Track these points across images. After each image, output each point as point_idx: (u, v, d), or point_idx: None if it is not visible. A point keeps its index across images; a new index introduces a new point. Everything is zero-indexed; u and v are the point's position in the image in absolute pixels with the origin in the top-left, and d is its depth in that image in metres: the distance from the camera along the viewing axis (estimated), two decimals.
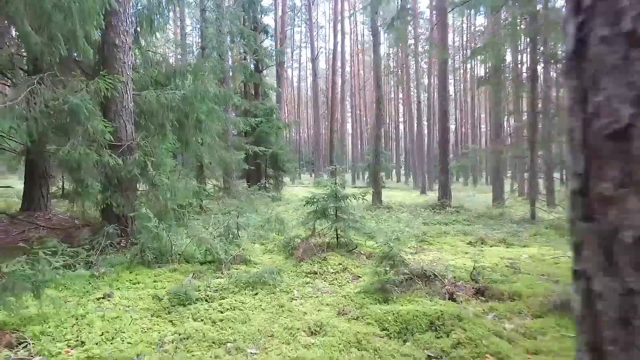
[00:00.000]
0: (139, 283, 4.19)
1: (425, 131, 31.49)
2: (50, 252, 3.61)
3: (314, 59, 33.40)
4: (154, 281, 4.29)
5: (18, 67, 5.84)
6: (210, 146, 10.25)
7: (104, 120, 4.88)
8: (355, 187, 28.45)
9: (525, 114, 12.15)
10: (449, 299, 3.77)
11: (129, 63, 6.00)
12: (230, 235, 6.31)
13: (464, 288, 4.02)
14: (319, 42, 47.55)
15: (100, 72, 5.06)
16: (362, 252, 6.05)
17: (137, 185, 6.01)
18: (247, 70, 15.99)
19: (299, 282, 4.60)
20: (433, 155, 28.77)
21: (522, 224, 9.91)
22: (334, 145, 19.90)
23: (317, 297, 4.11)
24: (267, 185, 15.56)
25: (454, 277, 4.35)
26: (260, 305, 3.76)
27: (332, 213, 6.34)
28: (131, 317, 3.28)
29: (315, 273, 4.96)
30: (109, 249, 5.13)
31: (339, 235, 6.34)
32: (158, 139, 6.31)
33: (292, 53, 52.81)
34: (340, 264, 5.26)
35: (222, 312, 3.51)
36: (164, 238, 4.86)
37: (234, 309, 3.60)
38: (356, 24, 52.03)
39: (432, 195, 22.65)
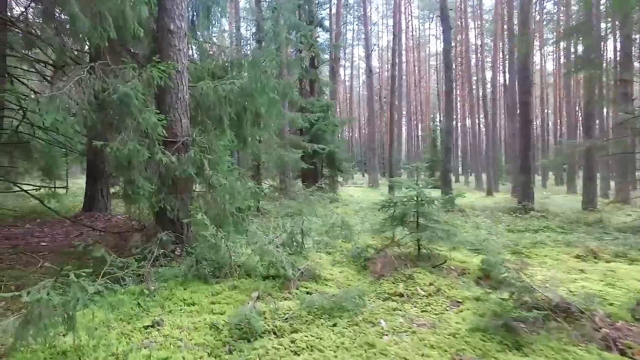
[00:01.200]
0: (194, 305, 3.49)
1: (483, 128, 29.17)
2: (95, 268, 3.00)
3: (368, 55, 32.29)
4: (212, 302, 3.56)
5: (70, 57, 5.46)
6: (268, 144, 9.63)
7: (157, 113, 4.27)
8: None
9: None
10: (615, 351, 2.63)
11: (185, 50, 5.41)
12: (295, 244, 5.53)
13: (629, 332, 2.84)
14: (371, 40, 46.26)
15: (153, 59, 4.47)
16: (451, 267, 4.97)
17: (193, 186, 5.40)
18: (303, 66, 15.34)
19: (384, 308, 3.66)
20: (498, 153, 26.46)
21: (635, 233, 8.19)
22: (394, 143, 18.70)
23: (412, 331, 3.15)
24: (322, 185, 14.78)
25: (606, 314, 3.17)
26: (343, 344, 2.87)
27: (413, 219, 5.33)
28: (183, 358, 2.54)
29: (401, 295, 3.99)
30: (162, 259, 4.52)
31: (420, 246, 5.32)
32: (215, 134, 5.68)
33: (344, 51, 51.99)
34: (431, 284, 4.25)
35: (296, 355, 2.67)
36: (223, 248, 4.15)
37: (311, 349, 2.74)
38: (411, 17, 50.03)
39: (501, 197, 20.66)
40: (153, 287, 3.67)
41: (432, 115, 47.16)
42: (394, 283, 4.34)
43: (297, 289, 4.04)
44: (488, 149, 26.99)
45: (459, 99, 44.12)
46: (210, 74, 6.45)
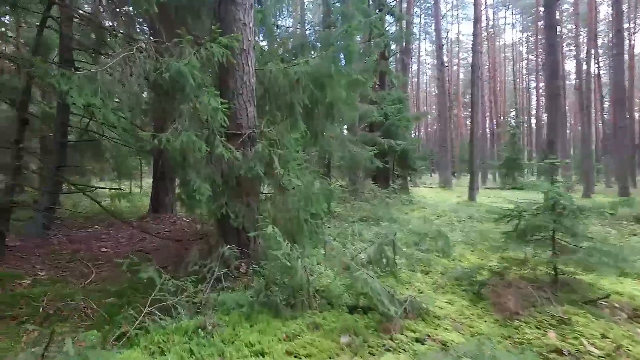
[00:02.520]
0: (263, 355, 2.50)
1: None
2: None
3: (439, 46, 30.00)
4: (287, 352, 2.56)
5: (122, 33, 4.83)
6: (340, 139, 8.60)
7: (216, 94, 3.39)
8: (488, 189, 24.40)
9: None
10: None
11: (251, 26, 4.53)
12: (384, 260, 4.39)
13: None
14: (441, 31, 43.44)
15: (213, 28, 3.60)
16: (614, 304, 3.50)
17: (260, 188, 4.51)
18: (373, 56, 14.10)
19: None
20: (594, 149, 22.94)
21: None
22: (475, 139, 16.74)
23: None
24: (396, 185, 13.45)
25: None
26: None
27: (547, 235, 3.93)
28: None
29: (561, 353, 2.67)
30: (224, 279, 3.64)
31: (557, 271, 3.90)
32: (286, 126, 4.74)
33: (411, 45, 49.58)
34: (603, 335, 2.87)
35: None
36: (299, 271, 3.14)
37: None
38: (485, 6, 46.22)
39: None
40: (211, 324, 2.76)
41: (513, 110, 43.17)
42: (538, 328, 3.02)
43: (402, 332, 2.90)
44: (587, 144, 23.53)
45: (540, 91, 39.84)
46: (278, 60, 5.55)
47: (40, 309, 3.16)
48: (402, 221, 9.15)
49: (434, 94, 57.87)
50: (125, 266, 3.06)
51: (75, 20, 5.81)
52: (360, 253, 4.41)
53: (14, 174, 5.01)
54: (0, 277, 3.95)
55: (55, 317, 3.10)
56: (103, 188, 6.95)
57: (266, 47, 6.16)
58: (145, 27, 6.85)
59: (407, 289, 4.19)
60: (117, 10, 5.57)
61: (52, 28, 5.91)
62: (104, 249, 5.56)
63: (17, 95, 5.36)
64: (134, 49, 3.33)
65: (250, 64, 4.46)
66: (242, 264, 4.07)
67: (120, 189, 8.62)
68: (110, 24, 6.13)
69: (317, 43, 6.40)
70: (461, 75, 54.96)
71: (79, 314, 3.15)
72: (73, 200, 10.07)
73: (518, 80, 48.33)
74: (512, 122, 32.57)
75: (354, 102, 6.50)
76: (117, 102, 3.06)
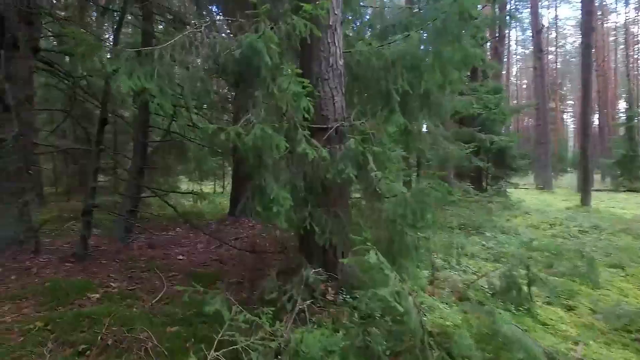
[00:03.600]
0: None
1: None
2: None
3: (537, 31, 26.69)
4: None
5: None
6: (434, 135, 7.47)
7: (298, 76, 2.63)
8: (598, 191, 20.81)
9: None
10: None
11: (337, 0, 3.74)
12: (515, 291, 3.31)
13: None
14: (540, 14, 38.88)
15: None
16: None
17: (350, 194, 3.70)
18: (480, 32, 12.55)
19: None
20: None
21: None
22: (588, 134, 14.17)
23: None
24: (493, 188, 11.80)
25: None
26: None
27: None
28: None
29: None
30: (307, 309, 2.89)
31: None
32: (379, 118, 3.87)
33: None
34: None
35: None
36: (412, 315, 2.24)
37: None
38: None
39: None
40: None
41: (625, 100, 36.98)
42: None
43: None
44: None
45: None
46: (370, 40, 4.68)
47: (99, 338, 2.69)
48: (508, 231, 7.72)
49: (524, 86, 52.41)
50: (187, 297, 2.43)
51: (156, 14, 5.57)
52: (479, 278, 3.38)
53: (95, 176, 4.85)
54: (75, 288, 3.67)
55: (113, 349, 2.60)
56: (180, 192, 6.72)
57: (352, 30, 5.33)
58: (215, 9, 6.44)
59: (550, 333, 3.06)
60: None
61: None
62: (180, 257, 5.21)
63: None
64: (202, 27, 2.72)
65: (337, 43, 3.66)
66: (329, 289, 3.28)
67: (193, 192, 8.45)
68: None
69: (412, 23, 5.42)
70: (558, 65, 49.01)
71: (138, 346, 2.62)
72: (158, 201, 10.31)
73: (632, 66, 41.45)
74: (627, 113, 27.64)
75: (458, 85, 5.37)
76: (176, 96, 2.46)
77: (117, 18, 4.96)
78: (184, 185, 11.49)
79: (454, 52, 3.51)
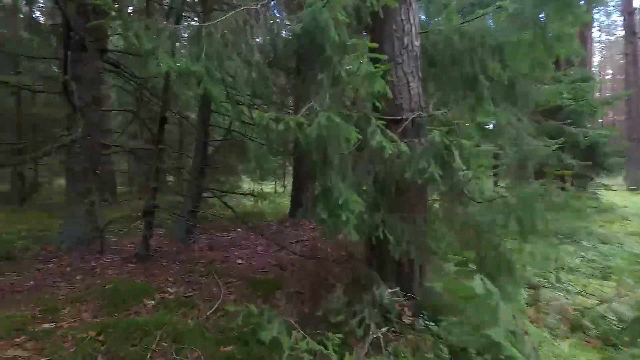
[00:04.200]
0: None
1: None
2: None
3: (629, 12, 23.49)
4: None
5: None
6: (517, 129, 6.55)
7: (371, 51, 2.15)
8: None
9: None
10: None
11: None
12: None
13: None
14: None
15: None
16: None
17: (428, 197, 3.14)
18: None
19: None
20: None
21: None
22: None
23: None
24: (591, 189, 10.34)
25: None
26: None
27: None
28: None
29: None
30: (380, 333, 2.40)
31: None
32: (464, 107, 3.28)
33: None
34: None
35: None
36: (526, 348, 1.66)
37: None
38: None
39: None
40: None
41: None
42: None
43: None
44: None
45: None
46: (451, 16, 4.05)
47: (149, 356, 2.44)
48: (608, 239, 6.58)
49: (607, 77, 46.81)
50: (241, 320, 2.06)
51: None
52: (599, 304, 2.66)
53: (156, 176, 4.77)
54: (133, 292, 3.53)
55: None
56: (239, 193, 6.54)
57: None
58: None
59: None
60: None
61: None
62: (239, 260, 4.98)
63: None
64: (257, 4, 2.35)
65: (412, 20, 3.12)
66: (405, 309, 2.77)
67: (253, 192, 8.29)
68: None
69: None
70: None
71: None
72: (220, 201, 10.39)
73: None
74: None
75: (549, 69, 4.52)
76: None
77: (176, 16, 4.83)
78: (245, 185, 11.53)
79: (563, 19, 2.81)
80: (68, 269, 4.12)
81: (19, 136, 8.99)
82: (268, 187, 14.71)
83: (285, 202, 10.94)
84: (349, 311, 2.49)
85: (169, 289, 3.71)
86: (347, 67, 2.14)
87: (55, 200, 9.87)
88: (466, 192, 2.53)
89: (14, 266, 4.20)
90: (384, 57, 2.22)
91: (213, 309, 3.24)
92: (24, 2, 10.47)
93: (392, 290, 2.40)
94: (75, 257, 4.45)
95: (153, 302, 3.35)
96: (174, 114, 7.24)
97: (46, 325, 2.87)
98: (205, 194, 6.31)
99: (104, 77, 6.39)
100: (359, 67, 2.09)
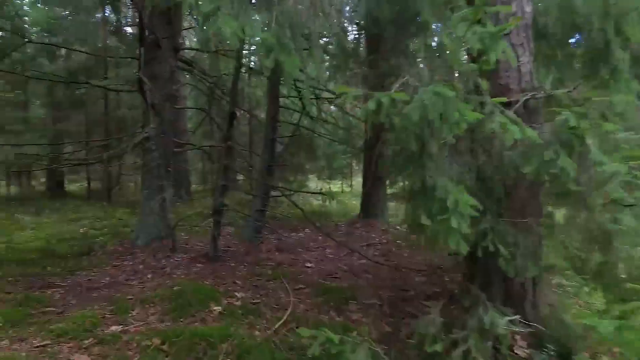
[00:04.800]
0: None
1: None
2: None
3: None
4: None
5: None
6: None
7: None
8: None
9: None
10: None
11: None
12: None
13: None
14: None
15: None
16: None
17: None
18: None
19: None
20: None
21: None
22: None
23: None
24: None
25: None
26: None
27: None
28: None
29: None
30: None
31: None
32: (584, 86, 2.58)
33: None
34: None
35: None
36: None
37: None
38: None
39: None
40: None
41: None
42: None
43: None
44: None
45: None
46: None
47: None
48: None
49: None
50: (317, 349, 1.68)
51: None
52: None
53: (225, 173, 4.63)
54: (200, 295, 3.36)
55: None
56: (308, 192, 6.24)
57: None
58: None
59: None
60: None
61: None
62: (308, 264, 4.66)
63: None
64: None
65: None
66: (518, 339, 2.19)
67: (322, 191, 7.97)
68: None
69: None
70: None
71: None
72: (288, 200, 10.25)
73: None
74: None
75: None
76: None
77: None
78: (312, 183, 11.33)
79: None
80: (140, 266, 4.11)
81: (106, 136, 9.65)
82: (334, 186, 14.41)
83: (353, 202, 10.52)
84: (447, 338, 2.00)
85: (236, 293, 3.49)
86: (450, 32, 1.65)
87: (138, 197, 10.51)
88: (610, 193, 1.90)
89: (93, 262, 4.29)
90: (510, 9, 1.68)
91: (282, 320, 2.92)
92: (111, 14, 11.29)
93: (511, 318, 1.86)
94: (148, 254, 4.46)
95: (219, 308, 3.13)
96: (243, 111, 7.18)
97: (114, 328, 2.76)
98: (273, 193, 6.11)
99: (178, 75, 6.49)
100: (468, 30, 1.59)
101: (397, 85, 1.61)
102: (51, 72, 10.22)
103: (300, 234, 6.75)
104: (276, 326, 2.81)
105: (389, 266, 4.16)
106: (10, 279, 3.72)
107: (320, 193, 5.97)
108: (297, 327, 2.85)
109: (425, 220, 1.60)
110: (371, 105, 1.46)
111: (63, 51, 11.20)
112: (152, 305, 3.19)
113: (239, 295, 3.46)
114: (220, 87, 6.73)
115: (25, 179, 11.36)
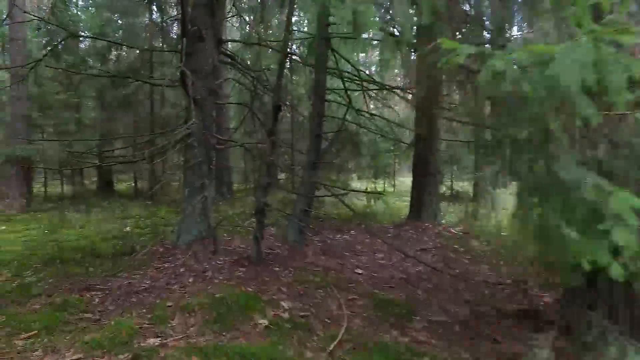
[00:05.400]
0: None
1: None
2: None
3: None
4: None
5: None
6: None
7: None
8: None
9: None
10: None
11: None
12: None
13: None
14: None
15: None
16: None
17: None
18: None
19: None
20: None
21: None
22: None
23: None
24: None
25: None
26: None
27: None
28: None
29: None
30: None
31: None
32: None
33: None
34: None
35: None
36: None
37: None
38: None
39: None
40: None
41: None
42: None
43: None
44: None
45: None
46: None
47: None
48: None
49: None
50: None
51: None
52: None
53: (268, 170, 4.32)
54: (243, 305, 3.05)
55: None
56: (358, 190, 5.83)
57: None
58: None
59: None
60: None
61: None
62: (358, 271, 4.25)
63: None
64: None
65: None
66: None
67: (375, 191, 7.53)
68: None
69: None
70: None
71: None
72: (331, 200, 9.83)
73: None
74: None
75: None
76: None
77: None
78: (354, 183, 10.89)
79: None
80: (181, 269, 3.88)
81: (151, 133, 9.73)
82: (378, 186, 13.86)
83: (398, 202, 9.97)
84: None
85: (282, 303, 3.14)
86: None
87: (181, 196, 10.56)
88: None
89: (134, 263, 4.13)
90: None
91: (337, 339, 2.53)
92: (158, 15, 11.45)
93: None
94: (189, 256, 4.23)
95: (265, 321, 2.79)
96: (287, 105, 6.89)
97: (151, 341, 2.49)
98: (318, 193, 5.76)
99: (220, 70, 6.30)
100: None
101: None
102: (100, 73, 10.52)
103: (345, 236, 6.34)
104: (331, 347, 2.42)
105: (452, 276, 3.65)
106: (51, 280, 3.61)
107: (377, 192, 5.55)
108: (354, 349, 2.45)
109: (571, 230, 1.12)
110: (494, 62, 1.02)
111: (113, 54, 11.50)
112: (192, 314, 2.92)
113: (285, 305, 3.12)
114: (263, 82, 6.46)
115: (78, 178, 11.78)
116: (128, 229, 5.97)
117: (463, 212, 8.67)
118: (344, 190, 5.01)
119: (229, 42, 7.03)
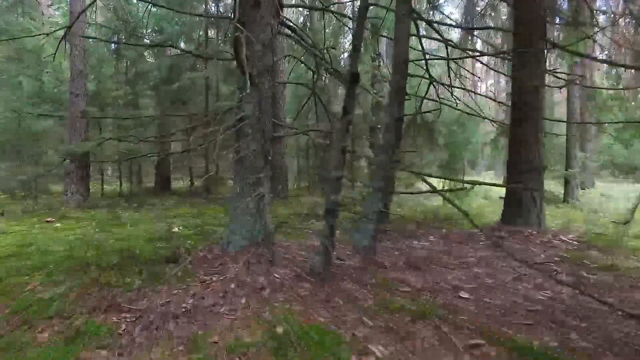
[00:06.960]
0: None
1: None
2: None
3: None
4: None
5: None
6: None
7: None
8: None
9: None
10: None
11: None
12: None
13: None
14: None
15: None
16: None
17: None
18: None
19: None
20: None
21: None
22: None
23: None
24: None
25: None
26: None
27: None
28: None
29: None
30: None
31: None
32: None
33: None
34: None
35: None
36: None
37: None
38: None
39: None
40: None
41: None
42: None
43: None
44: None
45: None
46: None
47: None
48: None
49: None
50: None
51: None
52: None
53: (342, 159, 3.37)
54: (314, 344, 2.14)
55: None
56: (459, 189, 4.71)
57: None
58: None
59: None
60: None
61: None
62: (463, 295, 3.14)
63: None
64: None
65: None
66: None
67: (452, 188, 6.33)
68: None
69: None
70: None
71: None
72: (399, 198, 8.68)
73: None
74: None
75: None
76: None
77: None
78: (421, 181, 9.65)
79: None
80: (232, 285, 3.04)
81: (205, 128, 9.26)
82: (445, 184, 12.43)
83: (479, 202, 8.59)
84: None
85: (371, 347, 2.17)
86: None
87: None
88: None
89: (176, 273, 3.37)
90: None
91: None
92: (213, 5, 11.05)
93: None
94: (241, 266, 3.40)
95: None
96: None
97: None
98: (393, 191, 4.71)
99: (278, 43, 5.46)
100: None
101: None
102: (157, 68, 10.30)
103: (423, 241, 5.24)
104: None
105: (626, 313, 2.45)
106: (78, 292, 2.93)
107: (461, 189, 4.39)
108: None
109: None
110: None
111: (170, 49, 11.30)
112: (243, 358, 2.04)
113: (376, 350, 2.14)
114: (326, 64, 5.52)
115: (136, 177, 11.72)
116: (176, 229, 5.33)
117: (564, 216, 7.18)
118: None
119: (289, 9, 6.19)
